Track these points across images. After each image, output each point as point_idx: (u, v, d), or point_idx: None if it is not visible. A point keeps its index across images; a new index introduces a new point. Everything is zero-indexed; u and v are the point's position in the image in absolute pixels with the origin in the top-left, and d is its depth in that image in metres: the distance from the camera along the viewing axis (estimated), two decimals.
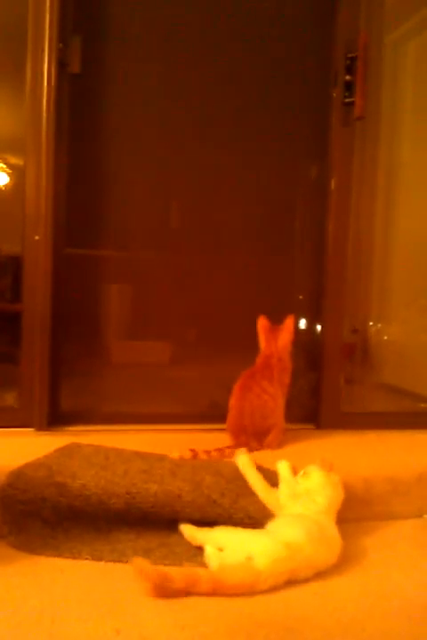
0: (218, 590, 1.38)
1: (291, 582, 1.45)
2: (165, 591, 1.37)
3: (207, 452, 1.97)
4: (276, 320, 2.20)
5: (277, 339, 2.17)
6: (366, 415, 2.57)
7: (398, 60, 3.13)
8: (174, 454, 1.92)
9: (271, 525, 1.59)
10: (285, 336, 2.17)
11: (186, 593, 1.37)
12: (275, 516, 1.66)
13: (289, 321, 2.19)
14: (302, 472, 1.78)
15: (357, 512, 1.74)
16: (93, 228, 2.45)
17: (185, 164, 2.52)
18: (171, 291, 2.55)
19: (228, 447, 2.02)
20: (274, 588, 1.42)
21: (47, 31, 2.11)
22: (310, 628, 1.32)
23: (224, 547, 1.51)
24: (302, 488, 1.73)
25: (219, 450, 1.99)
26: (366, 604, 1.43)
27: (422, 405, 2.78)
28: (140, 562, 1.43)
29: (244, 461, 1.84)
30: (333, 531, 1.61)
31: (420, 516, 1.96)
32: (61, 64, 2.18)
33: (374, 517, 1.91)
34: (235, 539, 1.53)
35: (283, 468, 1.83)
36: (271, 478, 1.80)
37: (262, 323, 2.20)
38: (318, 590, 1.46)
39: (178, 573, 1.40)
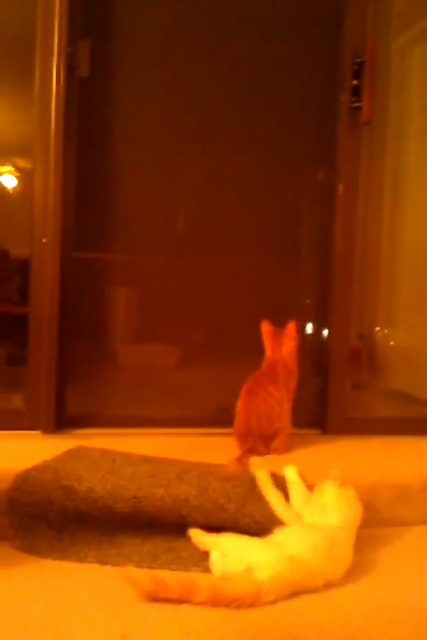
0: (217, 601, 1.37)
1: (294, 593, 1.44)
2: (159, 598, 1.37)
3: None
4: (283, 325, 2.19)
5: (281, 345, 2.17)
6: (372, 421, 2.56)
7: (405, 65, 3.12)
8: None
9: (279, 534, 1.58)
10: (289, 343, 2.17)
11: (182, 601, 1.36)
12: (285, 524, 1.66)
13: (291, 327, 2.18)
14: (316, 488, 1.76)
15: (362, 518, 1.73)
16: (101, 231, 2.46)
17: (192, 168, 2.53)
18: (178, 294, 2.56)
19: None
20: (276, 601, 1.41)
21: (56, 35, 2.12)
22: (316, 635, 1.32)
23: (228, 553, 1.50)
24: (318, 502, 1.71)
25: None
26: (373, 612, 1.42)
27: None
28: (129, 570, 1.44)
29: (261, 476, 1.81)
30: (344, 546, 1.59)
31: (426, 522, 1.95)
32: (70, 68, 2.18)
33: (380, 524, 1.90)
34: (239, 546, 1.53)
35: (291, 473, 1.82)
36: (280, 483, 1.79)
37: (266, 327, 2.20)
38: (324, 598, 1.46)
39: (174, 581, 1.39)
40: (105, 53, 2.37)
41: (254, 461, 1.87)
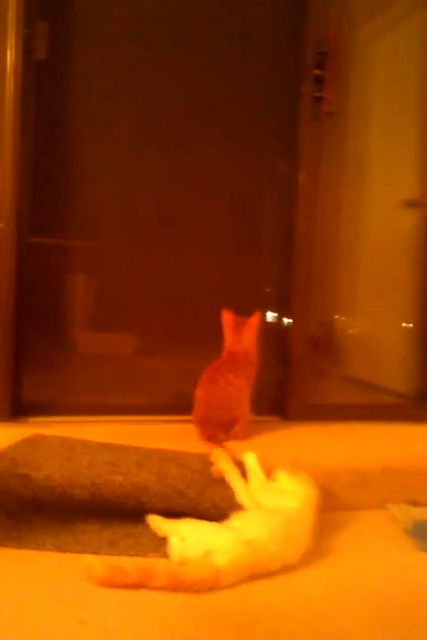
0: (176, 586, 1.37)
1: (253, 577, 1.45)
2: (118, 584, 1.36)
3: None
4: (244, 314, 2.19)
5: (241, 335, 2.16)
6: (332, 407, 2.60)
7: (368, 57, 3.14)
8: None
9: (237, 519, 1.59)
10: (250, 333, 2.17)
11: (141, 587, 1.36)
12: (244, 508, 1.67)
13: (254, 319, 2.18)
14: (272, 476, 1.78)
15: (322, 503, 1.75)
16: (59, 217, 2.42)
17: (152, 155, 2.51)
18: (137, 282, 2.54)
19: None
20: (234, 585, 1.41)
21: (12, 16, 2.06)
22: (276, 618, 1.33)
23: (187, 539, 1.51)
24: (275, 487, 1.74)
25: None
26: (331, 594, 1.45)
27: (387, 398, 2.82)
28: (87, 557, 1.45)
29: (223, 460, 1.82)
30: (302, 528, 1.60)
31: (384, 507, 1.97)
32: (27, 50, 2.13)
33: (340, 508, 1.92)
34: (197, 531, 1.53)
35: (250, 460, 1.84)
36: (239, 469, 1.80)
37: (227, 317, 2.19)
38: (283, 581, 1.47)
39: (132, 567, 1.39)
40: (64, 36, 2.33)
41: (217, 453, 1.86)
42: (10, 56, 2.08)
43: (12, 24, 2.07)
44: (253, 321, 2.18)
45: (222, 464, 1.80)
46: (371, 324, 3.15)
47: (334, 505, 1.91)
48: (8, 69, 2.08)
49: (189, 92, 2.52)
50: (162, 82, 2.48)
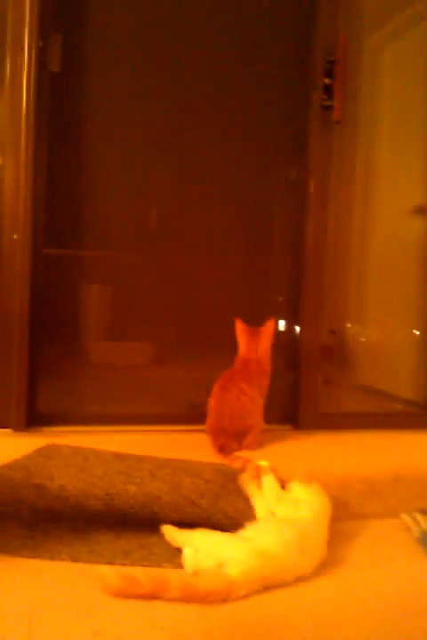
0: (189, 597, 1.37)
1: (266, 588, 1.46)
2: (132, 595, 1.37)
3: None
4: (255, 322, 2.20)
5: (257, 344, 2.18)
6: (343, 416, 2.61)
7: (376, 65, 3.15)
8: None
9: (250, 529, 1.60)
10: (265, 341, 2.19)
11: (154, 597, 1.37)
12: (256, 518, 1.68)
13: (269, 325, 2.20)
14: (286, 486, 1.79)
15: (333, 512, 1.76)
16: (73, 227, 2.44)
17: (165, 165, 2.52)
18: (150, 291, 2.55)
19: None
20: (248, 596, 1.41)
21: (27, 29, 2.09)
22: (288, 628, 1.34)
23: (201, 549, 1.51)
24: (289, 497, 1.75)
25: None
26: (344, 604, 1.45)
27: (398, 406, 2.82)
28: (102, 568, 1.46)
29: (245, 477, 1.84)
30: (316, 539, 1.61)
31: (395, 515, 1.97)
32: (41, 63, 2.15)
33: (351, 518, 1.93)
34: (211, 542, 1.54)
35: (264, 469, 1.84)
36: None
37: (240, 326, 2.21)
38: (295, 591, 1.47)
39: (146, 577, 1.40)
40: (77, 48, 2.34)
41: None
42: (25, 69, 2.10)
43: (27, 38, 2.09)
44: (269, 328, 2.20)
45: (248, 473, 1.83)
46: (381, 331, 3.15)
47: (345, 514, 1.91)
48: (24, 82, 2.10)
49: (202, 103, 2.54)
50: (174, 92, 2.50)
